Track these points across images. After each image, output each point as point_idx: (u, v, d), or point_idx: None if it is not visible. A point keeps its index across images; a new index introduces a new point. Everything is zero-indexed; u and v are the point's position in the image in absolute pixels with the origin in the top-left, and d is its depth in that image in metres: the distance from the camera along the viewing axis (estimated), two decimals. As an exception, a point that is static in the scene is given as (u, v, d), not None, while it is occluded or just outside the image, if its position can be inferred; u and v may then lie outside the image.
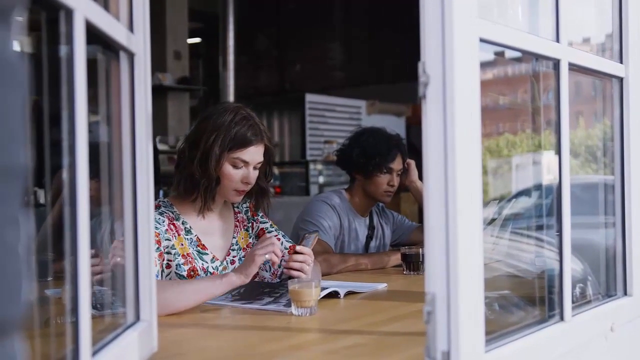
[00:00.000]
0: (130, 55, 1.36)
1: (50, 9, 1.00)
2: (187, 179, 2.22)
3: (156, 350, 1.44)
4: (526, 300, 1.73)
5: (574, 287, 1.64)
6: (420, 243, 2.96)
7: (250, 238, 2.41)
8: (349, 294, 2.20)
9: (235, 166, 2.21)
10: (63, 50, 1.03)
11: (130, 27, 1.36)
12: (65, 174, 1.03)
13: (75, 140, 1.02)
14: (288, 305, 1.92)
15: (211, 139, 2.17)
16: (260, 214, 2.46)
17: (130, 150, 1.37)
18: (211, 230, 2.31)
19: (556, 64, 1.53)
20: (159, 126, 7.32)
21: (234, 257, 2.34)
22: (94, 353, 1.10)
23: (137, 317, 1.38)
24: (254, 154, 2.23)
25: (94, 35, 1.13)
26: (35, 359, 1.16)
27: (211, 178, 2.19)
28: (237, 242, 2.37)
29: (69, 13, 1.01)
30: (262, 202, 2.38)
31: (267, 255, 2.00)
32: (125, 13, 1.36)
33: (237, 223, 2.40)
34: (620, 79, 1.83)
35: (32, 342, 1.02)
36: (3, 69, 0.58)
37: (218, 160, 2.18)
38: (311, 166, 7.66)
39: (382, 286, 2.37)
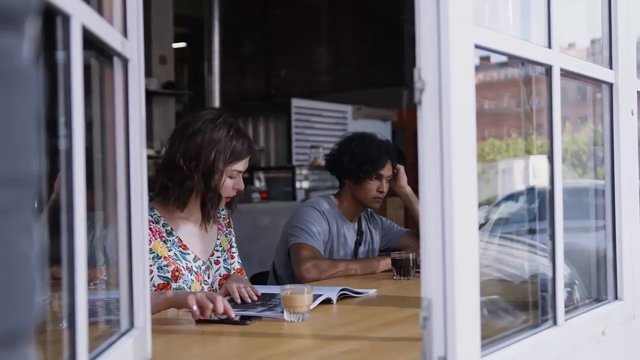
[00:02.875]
0: (125, 61, 1.35)
1: (47, 14, 0.99)
2: (187, 192, 2.27)
3: (150, 358, 1.43)
4: (519, 305, 1.73)
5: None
6: (409, 248, 2.97)
7: (228, 243, 2.50)
8: (342, 298, 2.20)
9: (231, 177, 2.31)
10: (59, 55, 1.03)
11: (125, 33, 1.36)
12: (61, 180, 1.02)
13: (72, 145, 1.01)
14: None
15: (212, 155, 2.25)
16: (231, 228, 2.56)
17: (124, 156, 1.36)
18: (194, 233, 2.37)
19: (548, 69, 1.54)
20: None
21: (218, 257, 2.42)
22: (90, 361, 1.10)
23: (132, 324, 1.37)
24: (246, 163, 2.35)
25: (88, 41, 1.12)
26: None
27: (216, 192, 2.28)
28: (220, 243, 2.45)
29: (66, 19, 1.00)
30: (236, 199, 2.43)
31: (194, 307, 1.84)
32: (119, 18, 1.35)
33: (220, 226, 2.48)
34: (610, 85, 1.84)
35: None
36: (16, 76, 0.58)
37: (221, 176, 2.27)
38: (297, 171, 7.64)
39: (372, 292, 2.37)
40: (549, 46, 1.54)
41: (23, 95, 0.59)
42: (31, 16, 0.62)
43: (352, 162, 3.02)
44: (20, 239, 0.58)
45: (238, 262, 2.53)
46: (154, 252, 2.22)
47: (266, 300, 2.15)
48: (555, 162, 1.54)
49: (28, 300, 0.59)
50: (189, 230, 2.35)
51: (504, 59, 1.58)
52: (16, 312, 0.58)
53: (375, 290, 2.39)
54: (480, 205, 2.25)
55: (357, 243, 3.15)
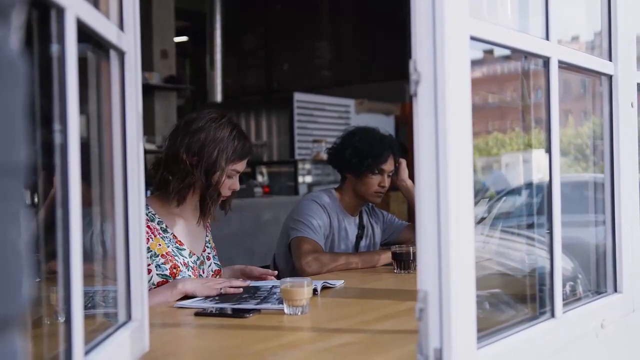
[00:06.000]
0: (121, 54, 1.35)
1: (41, 7, 0.99)
2: (187, 188, 2.30)
3: (148, 350, 1.44)
4: (517, 297, 1.73)
5: (564, 285, 1.64)
6: (410, 242, 2.97)
7: (212, 242, 2.54)
8: (343, 291, 2.22)
9: (229, 176, 2.34)
10: (54, 48, 1.03)
11: (121, 26, 1.36)
12: (56, 174, 1.03)
13: (67, 140, 1.01)
14: (281, 302, 1.92)
15: (215, 153, 2.28)
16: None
17: (121, 150, 1.36)
18: (186, 229, 2.40)
19: (546, 61, 1.54)
20: (146, 126, 7.24)
21: (208, 253, 2.47)
22: (86, 352, 1.10)
23: (129, 317, 1.38)
24: (245, 164, 2.40)
25: (84, 34, 1.12)
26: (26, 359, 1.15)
27: (217, 188, 2.31)
28: (209, 240, 2.50)
29: (60, 11, 1.00)
30: (230, 199, 2.46)
31: (222, 290, 2.15)
32: (115, 11, 1.35)
33: (208, 225, 2.52)
34: (609, 77, 1.84)
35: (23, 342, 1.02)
36: (4, 67, 0.58)
37: (222, 173, 2.30)
38: (300, 165, 7.65)
39: (339, 283, 2.39)
40: (547, 38, 1.53)
41: (10, 86, 0.59)
42: (18, 7, 0.62)
43: (354, 156, 3.02)
44: (8, 228, 0.59)
45: (216, 263, 2.54)
46: (151, 251, 2.24)
47: (253, 293, 2.15)
48: (553, 155, 1.54)
49: (15, 288, 0.59)
50: (182, 227, 2.38)
51: (508, 52, 1.58)
52: (3, 300, 0.58)
53: (342, 281, 2.40)
54: (483, 199, 2.25)
55: (359, 237, 3.15)
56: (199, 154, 2.28)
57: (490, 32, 1.34)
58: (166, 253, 2.27)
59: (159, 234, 2.29)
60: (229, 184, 2.35)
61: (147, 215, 2.29)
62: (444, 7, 1.16)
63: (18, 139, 0.59)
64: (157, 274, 2.23)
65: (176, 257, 2.29)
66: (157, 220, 2.32)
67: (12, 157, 0.59)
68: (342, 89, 9.18)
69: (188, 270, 2.30)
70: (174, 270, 2.26)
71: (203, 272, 2.39)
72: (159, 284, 2.22)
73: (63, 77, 1.02)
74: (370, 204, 3.21)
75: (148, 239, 2.23)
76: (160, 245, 2.27)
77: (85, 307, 1.13)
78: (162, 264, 2.25)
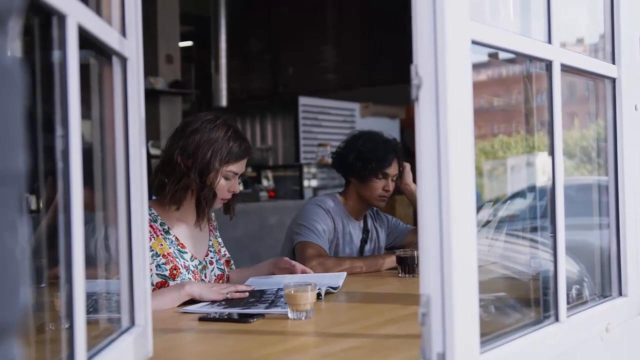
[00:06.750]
0: (123, 60, 1.36)
1: (43, 14, 1.00)
2: (183, 190, 2.30)
3: (151, 356, 1.44)
4: (522, 301, 1.73)
5: (570, 288, 1.64)
6: (415, 245, 2.96)
7: (219, 245, 2.53)
8: (327, 293, 2.23)
9: (226, 178, 2.33)
10: (55, 55, 1.03)
11: (123, 32, 1.36)
12: (58, 180, 1.03)
13: (68, 145, 1.02)
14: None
15: (209, 154, 2.27)
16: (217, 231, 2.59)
17: (123, 155, 1.37)
18: (189, 233, 2.40)
19: (548, 65, 1.54)
20: (151, 131, 7.30)
21: (211, 258, 2.46)
22: (89, 358, 1.10)
23: (132, 322, 1.38)
24: (243, 165, 2.38)
25: (86, 40, 1.12)
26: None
27: (211, 190, 2.30)
28: (212, 244, 2.48)
29: (62, 18, 1.00)
30: (233, 204, 2.46)
31: (228, 295, 2.14)
32: (117, 17, 1.36)
33: (211, 228, 2.52)
34: (613, 80, 1.83)
35: (27, 348, 1.02)
36: (1, 75, 0.58)
37: (217, 174, 2.29)
38: (305, 169, 7.64)
39: (342, 275, 2.43)
40: (549, 41, 1.53)
41: (7, 93, 0.59)
42: (15, 15, 0.62)
43: (358, 160, 3.02)
44: (5, 235, 0.59)
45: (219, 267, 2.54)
46: (153, 250, 2.24)
47: (259, 298, 2.14)
48: (556, 158, 1.54)
49: (13, 296, 0.59)
50: (184, 231, 2.38)
51: (512, 55, 1.58)
52: (1, 308, 0.58)
53: (345, 273, 2.43)
54: (488, 202, 2.24)
55: (363, 241, 3.15)
56: (194, 155, 2.28)
57: (491, 35, 1.34)
58: (167, 254, 2.27)
59: (161, 234, 2.30)
60: (228, 186, 2.34)
61: (150, 216, 2.29)
62: (445, 10, 1.16)
63: (16, 146, 0.60)
64: (156, 274, 2.23)
65: (177, 259, 2.29)
66: (159, 221, 2.32)
67: (9, 165, 0.59)
68: (347, 92, 9.18)
69: (188, 273, 2.30)
70: (174, 272, 2.26)
71: (205, 277, 2.38)
72: (158, 285, 2.22)
73: (65, 83, 1.02)
74: (374, 207, 3.21)
75: (150, 238, 2.23)
76: (162, 245, 2.28)
77: (88, 312, 1.14)
78: (163, 264, 2.25)
